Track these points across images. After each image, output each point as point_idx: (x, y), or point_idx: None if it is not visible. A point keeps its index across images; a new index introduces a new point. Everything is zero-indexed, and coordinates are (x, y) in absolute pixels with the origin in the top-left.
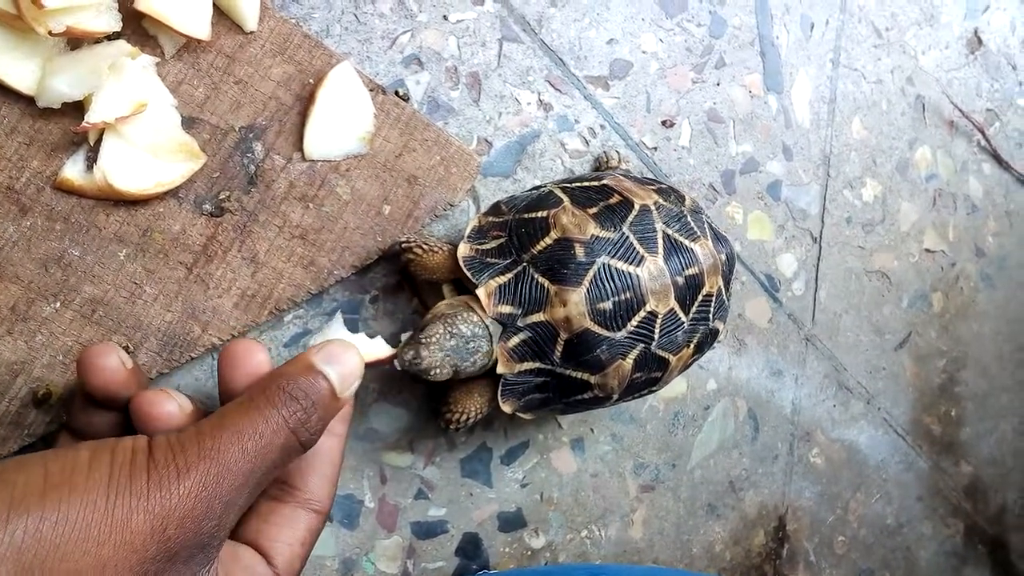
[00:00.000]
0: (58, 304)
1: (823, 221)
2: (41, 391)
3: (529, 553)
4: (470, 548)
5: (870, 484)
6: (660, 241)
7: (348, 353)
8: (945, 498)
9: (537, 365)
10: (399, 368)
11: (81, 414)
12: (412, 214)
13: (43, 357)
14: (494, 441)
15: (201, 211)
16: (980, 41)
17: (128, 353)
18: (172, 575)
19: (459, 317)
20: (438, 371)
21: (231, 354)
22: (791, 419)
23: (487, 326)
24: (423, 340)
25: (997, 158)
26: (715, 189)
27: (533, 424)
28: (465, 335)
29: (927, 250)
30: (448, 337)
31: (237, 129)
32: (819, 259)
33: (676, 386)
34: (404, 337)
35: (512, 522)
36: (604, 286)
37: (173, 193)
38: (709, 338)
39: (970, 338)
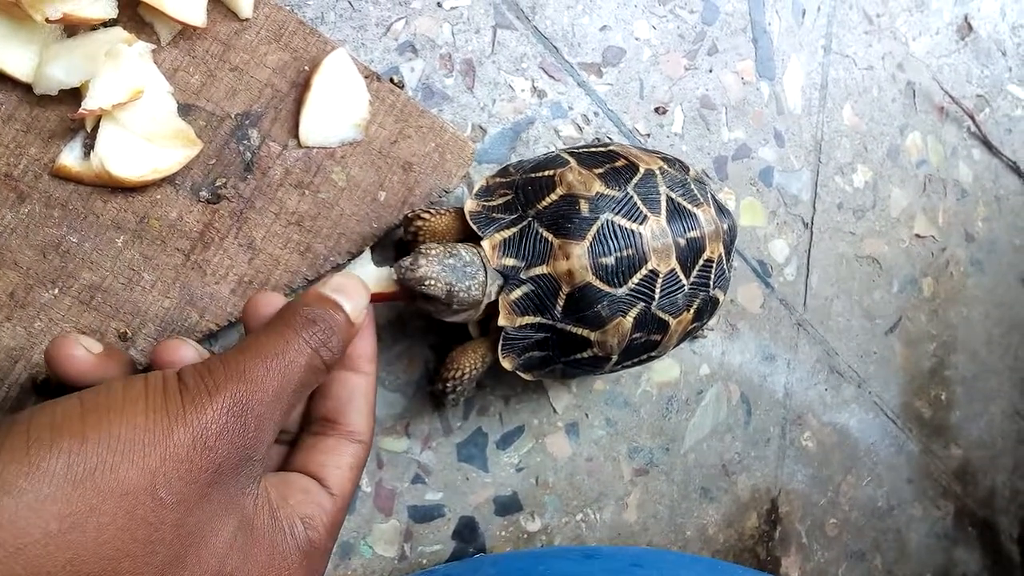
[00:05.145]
0: (56, 290)
1: (814, 207)
2: (40, 377)
3: (525, 536)
4: (467, 532)
5: (861, 467)
6: (663, 203)
7: (355, 284)
8: (935, 481)
9: (538, 320)
10: (396, 278)
11: None
12: (407, 200)
13: (42, 343)
14: (489, 426)
15: (198, 198)
16: (970, 27)
17: (125, 339)
18: (222, 487)
19: (460, 245)
20: (433, 283)
21: (255, 303)
22: (783, 403)
23: (485, 267)
24: (423, 251)
25: (987, 144)
26: (708, 175)
27: (528, 409)
28: (464, 258)
29: (917, 235)
30: (447, 255)
31: (233, 116)
32: (810, 245)
33: (669, 371)
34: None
35: (508, 506)
36: (607, 242)
37: (170, 180)
38: (709, 306)
39: (960, 322)
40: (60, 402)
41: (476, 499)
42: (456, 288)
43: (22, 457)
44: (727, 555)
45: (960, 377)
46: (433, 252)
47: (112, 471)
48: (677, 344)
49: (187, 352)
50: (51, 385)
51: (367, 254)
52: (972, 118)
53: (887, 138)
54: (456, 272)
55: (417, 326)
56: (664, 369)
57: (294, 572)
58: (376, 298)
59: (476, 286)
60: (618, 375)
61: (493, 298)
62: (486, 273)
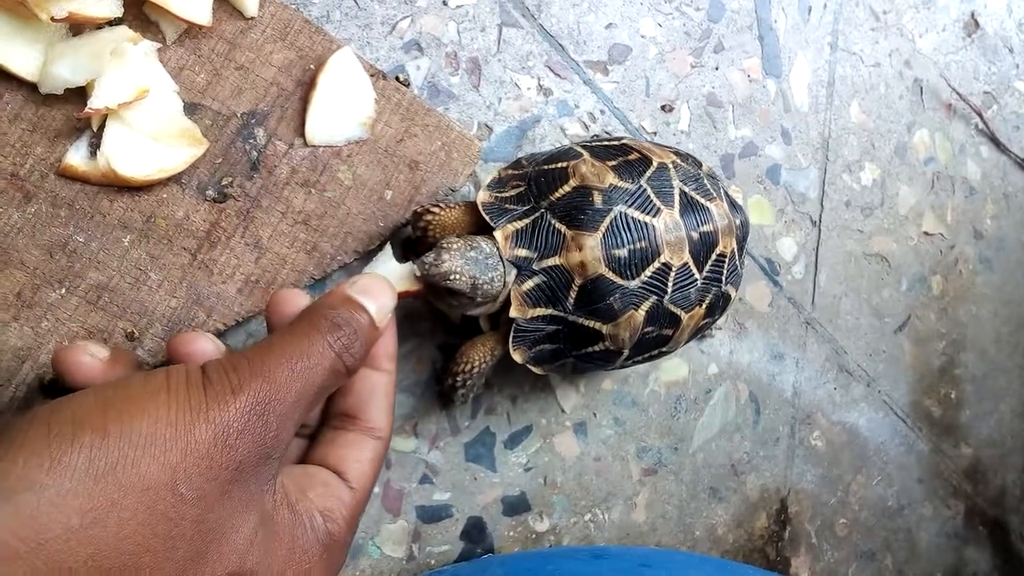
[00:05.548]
0: (63, 290)
1: (822, 205)
2: (48, 377)
3: (533, 536)
4: (475, 532)
5: (871, 466)
6: (676, 196)
7: (381, 285)
8: (945, 480)
9: (550, 312)
10: (419, 274)
11: None
12: (414, 199)
13: (49, 343)
14: (497, 426)
15: (204, 197)
16: (977, 24)
17: (132, 339)
18: (242, 484)
19: (478, 237)
20: (457, 276)
21: (278, 301)
22: (792, 402)
23: (502, 258)
24: (444, 246)
25: (995, 141)
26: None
27: (536, 408)
28: (484, 250)
29: (926, 233)
30: (468, 248)
31: (239, 115)
32: (818, 243)
33: (677, 370)
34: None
35: (516, 506)
36: (620, 234)
37: (176, 179)
38: (721, 302)
39: (969, 320)
40: (81, 396)
41: (484, 499)
42: (480, 280)
43: (43, 451)
44: (736, 555)
45: (970, 375)
46: (455, 246)
47: (133, 466)
48: (688, 340)
49: (205, 344)
50: (59, 386)
51: (388, 250)
52: (980, 115)
53: (895, 135)
54: (479, 265)
55: (425, 326)
56: (672, 368)
57: (315, 565)
58: (400, 296)
59: (498, 277)
60: (626, 374)
61: (508, 289)
62: (504, 264)
